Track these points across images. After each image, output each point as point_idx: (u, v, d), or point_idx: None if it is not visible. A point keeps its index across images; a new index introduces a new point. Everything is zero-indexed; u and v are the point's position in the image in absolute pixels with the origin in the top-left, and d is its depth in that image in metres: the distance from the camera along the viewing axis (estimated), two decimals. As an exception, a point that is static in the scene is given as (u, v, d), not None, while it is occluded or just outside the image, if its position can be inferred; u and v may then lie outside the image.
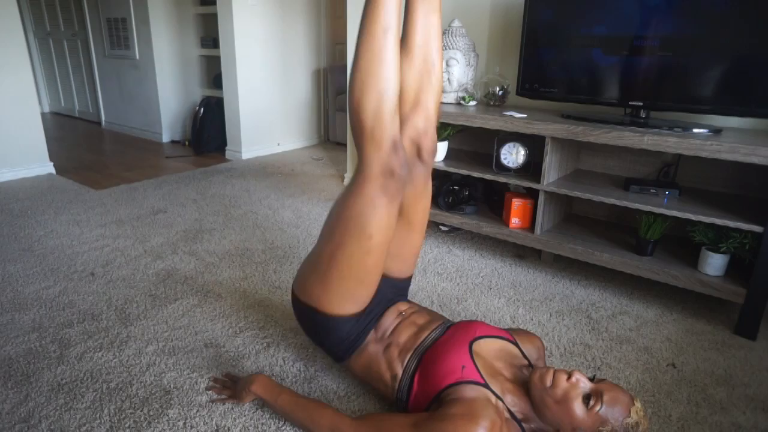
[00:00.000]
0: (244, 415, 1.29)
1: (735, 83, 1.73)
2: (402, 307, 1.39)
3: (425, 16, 1.26)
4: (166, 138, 4.60)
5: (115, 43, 4.67)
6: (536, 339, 1.40)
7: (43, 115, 5.81)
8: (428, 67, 1.29)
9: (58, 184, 3.22)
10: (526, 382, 1.17)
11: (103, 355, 1.52)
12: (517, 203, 2.14)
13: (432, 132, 1.32)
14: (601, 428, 1.03)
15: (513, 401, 1.14)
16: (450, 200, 2.35)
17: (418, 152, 1.32)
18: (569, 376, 1.08)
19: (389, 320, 1.34)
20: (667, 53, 1.82)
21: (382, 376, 1.27)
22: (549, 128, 1.94)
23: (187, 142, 4.47)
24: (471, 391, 1.10)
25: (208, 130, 4.15)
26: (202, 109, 4.14)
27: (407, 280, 1.47)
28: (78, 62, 5.32)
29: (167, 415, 1.28)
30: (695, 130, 1.77)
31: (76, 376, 1.42)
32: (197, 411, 1.30)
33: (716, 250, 1.74)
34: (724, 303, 1.91)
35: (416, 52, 1.27)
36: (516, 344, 1.29)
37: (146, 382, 1.41)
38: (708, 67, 1.76)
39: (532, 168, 2.14)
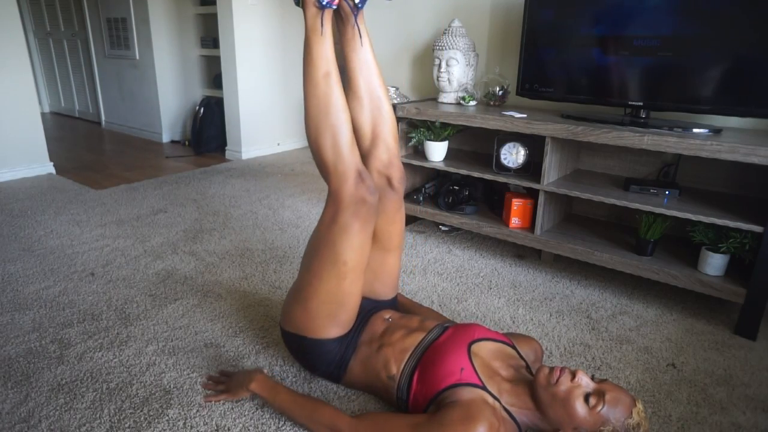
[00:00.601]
0: (244, 415, 1.29)
1: (735, 83, 1.73)
2: (386, 314, 1.41)
3: (362, 61, 1.34)
4: (166, 138, 4.60)
5: (115, 43, 4.67)
6: (534, 342, 1.40)
7: (43, 115, 5.81)
8: (376, 102, 1.36)
9: (58, 184, 3.22)
10: (523, 381, 1.18)
11: (103, 355, 1.52)
12: (517, 203, 2.14)
13: (397, 161, 1.40)
14: (602, 428, 1.03)
15: (510, 400, 1.15)
16: (450, 200, 2.35)
17: (389, 182, 1.39)
18: (573, 376, 1.09)
19: (376, 325, 1.37)
20: (667, 53, 1.82)
21: (378, 376, 1.28)
22: (549, 128, 1.94)
23: (187, 142, 4.47)
24: (469, 394, 1.12)
25: (208, 130, 4.15)
26: (202, 109, 4.14)
27: (391, 301, 1.50)
28: (78, 62, 5.32)
29: (167, 415, 1.28)
30: (695, 130, 1.77)
31: (76, 376, 1.42)
32: (197, 411, 1.30)
33: (716, 250, 1.74)
34: (724, 303, 1.91)
35: (361, 91, 1.35)
36: (514, 347, 1.30)
37: (146, 382, 1.41)
38: (708, 67, 1.76)
39: (532, 168, 2.14)
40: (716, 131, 1.78)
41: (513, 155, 2.13)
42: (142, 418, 1.27)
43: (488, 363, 1.21)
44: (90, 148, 4.31)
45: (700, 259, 1.78)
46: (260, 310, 1.79)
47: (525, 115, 2.09)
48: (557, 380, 1.09)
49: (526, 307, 1.86)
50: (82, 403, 1.32)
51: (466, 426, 1.04)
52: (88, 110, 5.47)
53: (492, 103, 2.43)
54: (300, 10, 1.26)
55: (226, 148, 4.09)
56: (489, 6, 2.50)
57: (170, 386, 1.39)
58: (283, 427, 1.26)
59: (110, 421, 1.26)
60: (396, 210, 1.41)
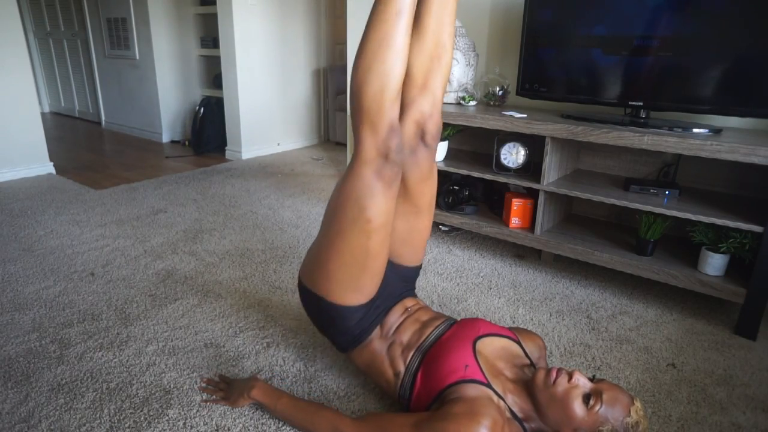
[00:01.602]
0: (244, 415, 1.29)
1: (735, 83, 1.73)
2: (408, 303, 1.38)
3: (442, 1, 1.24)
4: (166, 138, 4.60)
5: (115, 43, 4.67)
6: (538, 338, 1.40)
7: (43, 115, 5.81)
8: (439, 51, 1.26)
9: (58, 184, 3.22)
10: (527, 381, 1.17)
11: (103, 355, 1.52)
12: (517, 203, 2.14)
13: (437, 116, 1.30)
14: (600, 428, 1.03)
15: (514, 401, 1.14)
16: (450, 200, 2.35)
17: (422, 136, 1.30)
18: (570, 377, 1.08)
19: (395, 317, 1.34)
20: (667, 53, 1.82)
21: (384, 374, 1.27)
22: (549, 128, 1.94)
23: (187, 142, 4.47)
24: (473, 390, 1.11)
25: (208, 130, 4.15)
26: (202, 109, 4.14)
27: (416, 269, 1.45)
28: (78, 62, 5.32)
29: (167, 415, 1.28)
30: (695, 130, 1.77)
31: (76, 376, 1.42)
32: (197, 411, 1.30)
33: (716, 250, 1.74)
34: (724, 303, 1.91)
35: (428, 35, 1.24)
36: (518, 343, 1.29)
37: (146, 382, 1.41)
38: (708, 67, 1.76)
39: (532, 168, 2.14)
40: (716, 131, 1.78)
41: (513, 155, 2.13)
42: (142, 418, 1.27)
43: (493, 362, 1.20)
44: (90, 148, 4.31)
45: (700, 259, 1.78)
46: (260, 310, 1.79)
47: (525, 115, 2.09)
48: (554, 381, 1.09)
49: (526, 307, 1.86)
50: (82, 403, 1.32)
51: (469, 420, 1.02)
52: (88, 110, 5.47)
53: (492, 103, 2.43)
54: None
55: (226, 148, 4.09)
56: (489, 6, 2.50)
57: (170, 386, 1.39)
58: (283, 428, 1.26)
59: (110, 421, 1.26)
60: (429, 167, 1.32)
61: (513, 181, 2.10)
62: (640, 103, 1.93)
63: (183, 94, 4.59)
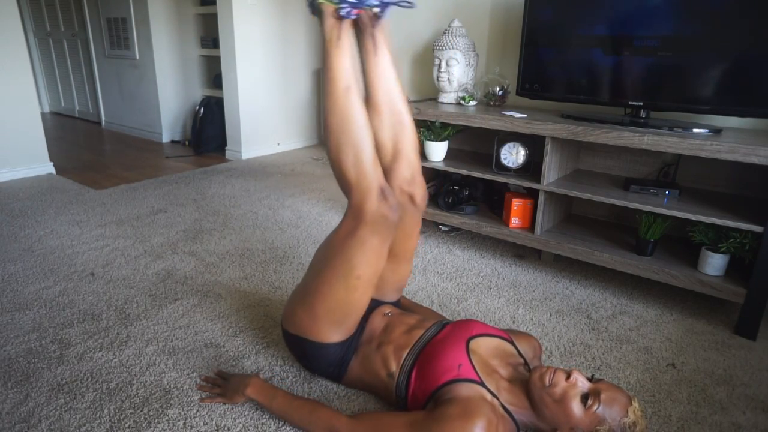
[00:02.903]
0: (244, 415, 1.29)
1: (735, 83, 1.73)
2: (386, 309, 1.42)
3: (382, 73, 1.30)
4: (166, 138, 4.60)
5: (115, 43, 4.67)
6: (533, 339, 1.40)
7: (43, 115, 5.81)
8: (397, 117, 1.32)
9: (58, 184, 3.22)
10: (522, 380, 1.18)
11: (103, 355, 1.52)
12: (517, 203, 2.14)
13: (419, 178, 1.37)
14: (598, 427, 1.03)
15: (508, 399, 1.14)
16: (450, 200, 2.35)
17: (411, 199, 1.36)
18: (568, 376, 1.09)
19: (376, 322, 1.37)
20: (667, 53, 1.82)
21: (377, 374, 1.27)
22: (549, 128, 1.94)
23: (187, 142, 4.47)
24: (467, 390, 1.11)
25: (208, 130, 4.15)
26: (202, 109, 4.14)
27: (395, 303, 1.51)
28: (78, 62, 5.32)
29: (167, 415, 1.28)
30: (695, 130, 1.78)
31: (76, 376, 1.42)
32: (197, 411, 1.30)
33: (716, 250, 1.74)
34: (724, 303, 1.91)
35: (382, 106, 1.32)
36: (512, 343, 1.29)
37: (146, 382, 1.41)
38: (708, 67, 1.76)
39: (532, 168, 2.14)
40: (716, 131, 1.78)
41: (513, 155, 2.13)
42: (142, 418, 1.27)
43: (487, 361, 1.21)
44: (90, 148, 4.31)
45: (700, 259, 1.78)
46: (260, 310, 1.79)
47: (525, 115, 2.09)
48: (552, 381, 1.09)
49: (526, 307, 1.86)
50: (82, 403, 1.32)
51: (464, 421, 1.03)
52: (88, 110, 5.47)
53: (492, 103, 2.43)
54: (312, 16, 1.22)
55: (226, 148, 4.09)
56: (489, 6, 2.50)
57: (170, 386, 1.39)
58: (283, 428, 1.26)
59: (110, 421, 1.26)
60: (414, 225, 1.39)
61: (513, 181, 2.10)
62: (640, 103, 1.93)
63: (183, 94, 4.59)
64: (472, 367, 1.16)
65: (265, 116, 4.13)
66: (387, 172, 1.34)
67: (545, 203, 2.06)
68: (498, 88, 2.40)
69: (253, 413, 1.30)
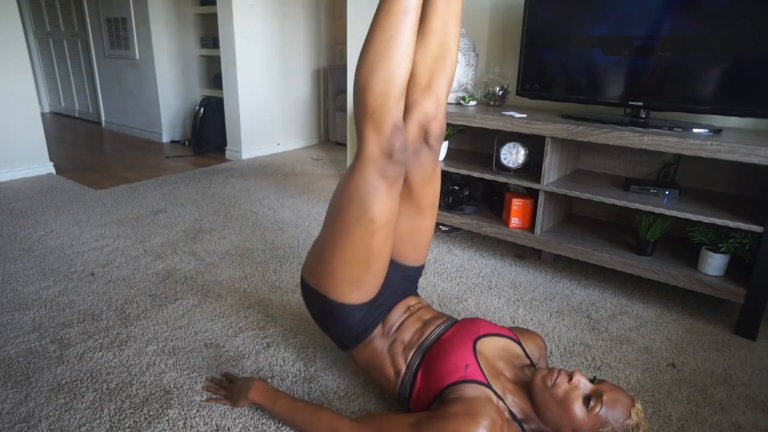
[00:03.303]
0: (244, 415, 1.29)
1: (735, 83, 1.73)
2: (411, 301, 1.39)
3: (447, 1, 1.24)
4: (166, 138, 4.60)
5: (115, 43, 4.67)
6: (538, 338, 1.40)
7: (43, 115, 5.81)
8: (443, 52, 1.26)
9: (58, 184, 3.22)
10: (527, 382, 1.17)
11: (103, 355, 1.52)
12: (517, 203, 2.14)
13: (441, 117, 1.30)
14: (601, 429, 1.03)
15: (514, 402, 1.14)
16: (450, 200, 2.35)
17: (425, 137, 1.29)
18: (570, 378, 1.08)
19: (397, 315, 1.34)
20: (667, 53, 1.82)
21: (385, 372, 1.27)
22: (549, 128, 1.94)
23: (187, 142, 4.47)
24: (473, 391, 1.10)
25: (208, 130, 4.15)
26: (202, 109, 4.14)
27: (419, 269, 1.45)
28: (78, 62, 5.32)
29: (167, 415, 1.28)
30: (695, 130, 1.78)
31: (76, 376, 1.42)
32: (197, 411, 1.30)
33: (716, 250, 1.74)
34: (724, 303, 1.91)
35: (433, 36, 1.24)
36: (519, 343, 1.29)
37: (146, 382, 1.41)
38: (708, 67, 1.76)
39: (532, 168, 2.14)
40: (716, 131, 1.78)
41: (513, 155, 2.13)
42: (142, 418, 1.27)
43: (493, 362, 1.20)
44: (90, 148, 4.31)
45: (700, 259, 1.78)
46: (260, 310, 1.79)
47: (525, 115, 2.09)
48: (554, 382, 1.08)
49: (526, 307, 1.86)
50: (82, 403, 1.32)
51: (468, 421, 1.02)
52: (88, 110, 5.47)
53: (492, 103, 2.43)
54: None
55: (226, 148, 4.09)
56: (489, 6, 2.50)
57: (170, 386, 1.39)
58: (283, 428, 1.26)
59: (110, 421, 1.26)
60: (432, 168, 1.32)
61: (513, 181, 2.10)
62: (640, 103, 1.93)
63: (183, 94, 4.59)
64: (479, 368, 1.15)
65: (265, 116, 4.13)
66: (411, 104, 1.28)
67: (545, 203, 2.06)
68: (498, 88, 2.40)
69: (252, 413, 1.30)
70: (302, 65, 4.38)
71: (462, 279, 2.06)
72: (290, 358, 1.52)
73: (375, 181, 1.14)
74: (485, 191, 2.47)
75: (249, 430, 1.25)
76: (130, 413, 1.29)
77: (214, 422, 1.27)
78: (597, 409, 1.03)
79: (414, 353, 1.24)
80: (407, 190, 1.32)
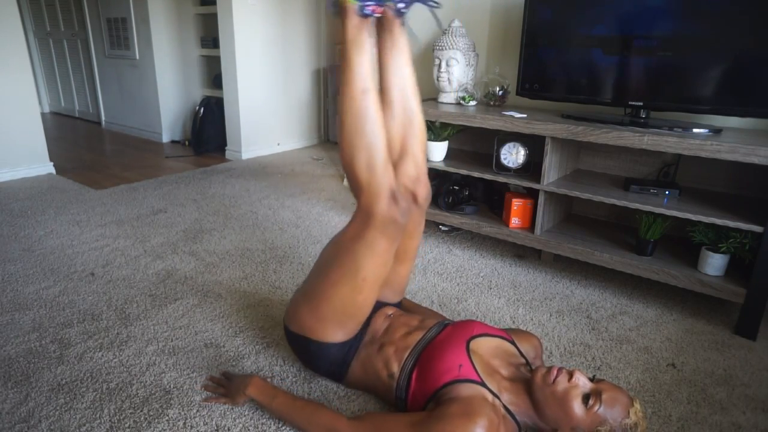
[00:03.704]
0: (244, 415, 1.29)
1: (735, 83, 1.73)
2: (388, 311, 1.42)
3: (398, 70, 1.31)
4: (166, 138, 4.60)
5: (115, 43, 4.67)
6: (534, 338, 1.40)
7: (43, 115, 5.81)
8: (409, 115, 1.33)
9: (58, 184, 3.22)
10: (523, 380, 1.18)
11: (103, 355, 1.52)
12: (517, 203, 2.14)
13: (424, 178, 1.36)
14: (599, 428, 1.03)
15: (510, 399, 1.14)
16: (450, 200, 2.35)
17: (414, 198, 1.34)
18: (570, 376, 1.09)
19: (378, 323, 1.37)
20: (667, 53, 1.82)
21: (378, 375, 1.27)
22: (549, 128, 1.94)
23: (187, 142, 4.46)
24: (468, 390, 1.11)
25: (208, 130, 4.15)
26: (202, 109, 4.14)
27: (396, 304, 1.51)
28: (78, 62, 5.32)
29: (167, 415, 1.28)
30: (695, 130, 1.77)
31: (76, 376, 1.42)
32: (197, 411, 1.30)
33: (716, 250, 1.74)
34: (724, 303, 1.91)
35: (395, 103, 1.32)
36: (513, 343, 1.29)
37: (146, 382, 1.41)
38: (708, 67, 1.76)
39: (532, 168, 2.14)
40: (716, 131, 1.78)
41: (513, 155, 2.13)
42: (142, 418, 1.27)
43: (488, 361, 1.20)
44: (90, 148, 4.31)
45: (700, 259, 1.78)
46: (260, 310, 1.79)
47: (525, 115, 2.09)
48: (554, 380, 1.09)
49: (526, 307, 1.86)
50: (82, 403, 1.32)
51: (465, 421, 1.03)
52: (88, 110, 5.47)
53: (492, 103, 2.43)
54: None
55: (226, 148, 4.09)
56: (489, 6, 2.50)
57: (170, 386, 1.39)
58: (283, 428, 1.26)
59: (110, 421, 1.26)
60: (417, 225, 1.39)
61: (513, 181, 2.10)
62: (640, 103, 1.93)
63: (183, 94, 4.59)
64: (473, 368, 1.16)
65: (265, 116, 4.13)
66: (393, 168, 1.33)
67: (545, 203, 2.06)
68: (498, 88, 2.40)
69: (252, 413, 1.30)
70: (302, 65, 4.38)
71: (462, 279, 2.06)
72: (290, 359, 1.52)
73: (375, 242, 1.19)
74: (485, 191, 2.47)
75: (249, 430, 1.25)
76: (130, 413, 1.29)
77: (214, 422, 1.27)
78: (596, 408, 1.04)
79: (408, 355, 1.25)
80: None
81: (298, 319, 1.33)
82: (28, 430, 1.23)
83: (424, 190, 1.35)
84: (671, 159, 2.08)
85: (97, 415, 1.28)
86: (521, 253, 2.33)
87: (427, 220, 2.43)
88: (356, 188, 1.21)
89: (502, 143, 2.14)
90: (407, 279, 1.48)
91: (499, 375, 1.18)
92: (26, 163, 3.35)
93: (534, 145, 2.13)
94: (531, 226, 2.16)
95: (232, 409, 1.31)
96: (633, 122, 1.91)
